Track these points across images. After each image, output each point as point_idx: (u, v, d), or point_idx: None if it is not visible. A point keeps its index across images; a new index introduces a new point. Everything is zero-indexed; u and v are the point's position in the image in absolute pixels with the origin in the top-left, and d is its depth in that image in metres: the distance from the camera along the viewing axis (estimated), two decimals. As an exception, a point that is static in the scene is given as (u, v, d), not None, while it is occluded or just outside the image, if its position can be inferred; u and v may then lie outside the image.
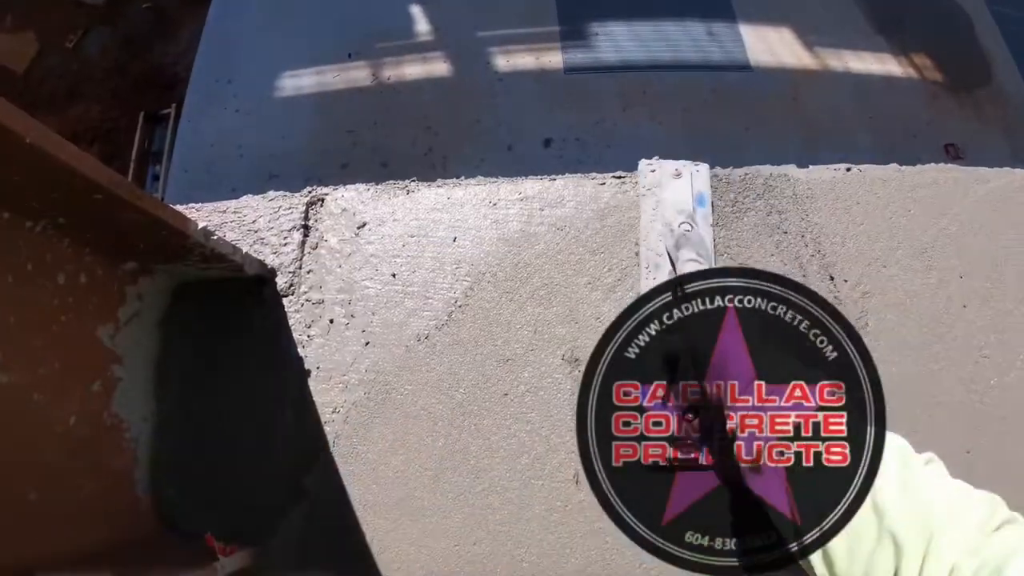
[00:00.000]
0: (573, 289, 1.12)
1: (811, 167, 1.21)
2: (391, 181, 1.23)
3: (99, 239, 0.95)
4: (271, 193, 1.23)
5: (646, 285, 1.08)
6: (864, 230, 1.16)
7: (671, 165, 1.14)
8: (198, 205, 1.22)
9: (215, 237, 0.99)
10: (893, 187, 1.19)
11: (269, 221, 1.20)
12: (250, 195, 1.24)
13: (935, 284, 1.13)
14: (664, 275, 1.06)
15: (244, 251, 1.09)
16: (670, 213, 1.09)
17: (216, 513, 1.08)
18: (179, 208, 1.09)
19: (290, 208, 1.20)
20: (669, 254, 1.05)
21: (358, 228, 1.18)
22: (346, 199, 1.21)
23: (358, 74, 2.93)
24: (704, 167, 1.15)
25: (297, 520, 1.06)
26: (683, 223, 1.07)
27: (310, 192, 1.21)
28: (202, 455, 1.11)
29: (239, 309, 1.15)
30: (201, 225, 0.95)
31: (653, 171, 1.14)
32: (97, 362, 1.01)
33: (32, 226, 0.86)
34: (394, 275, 1.15)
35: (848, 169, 1.21)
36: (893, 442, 0.65)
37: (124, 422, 1.06)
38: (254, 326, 1.15)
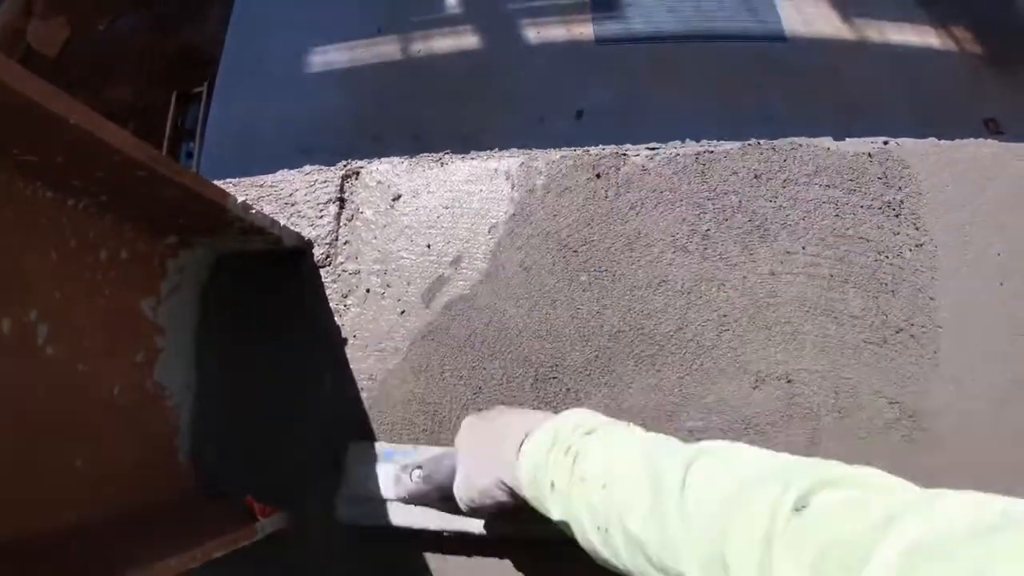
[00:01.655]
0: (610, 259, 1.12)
1: (847, 139, 1.19)
2: (425, 154, 1.23)
3: (140, 215, 0.97)
4: (307, 167, 1.24)
5: None
6: (899, 205, 1.14)
7: (359, 486, 1.07)
8: (235, 180, 1.23)
9: (253, 210, 1.00)
10: (931, 162, 1.16)
11: (305, 194, 1.20)
12: (286, 169, 1.25)
13: (972, 261, 1.11)
14: None
15: (282, 224, 1.10)
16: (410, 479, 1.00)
17: (255, 477, 1.10)
18: (217, 183, 1.09)
19: (326, 181, 1.21)
20: None
21: (393, 200, 1.19)
22: (381, 172, 1.21)
23: (387, 48, 2.92)
24: (352, 447, 1.08)
25: (333, 483, 1.07)
26: (412, 475, 0.98)
27: (345, 165, 1.22)
28: (241, 422, 1.13)
29: (277, 280, 1.17)
30: (240, 199, 0.96)
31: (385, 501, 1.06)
32: (140, 333, 1.03)
33: (75, 204, 0.87)
34: (428, 246, 1.16)
35: (885, 143, 1.18)
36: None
37: (166, 390, 1.08)
38: (292, 297, 1.16)
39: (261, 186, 1.22)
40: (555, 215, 1.14)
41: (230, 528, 0.94)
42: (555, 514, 0.72)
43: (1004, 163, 1.15)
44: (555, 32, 2.80)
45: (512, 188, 1.17)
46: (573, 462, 0.71)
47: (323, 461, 1.10)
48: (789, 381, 1.06)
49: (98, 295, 0.93)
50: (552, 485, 0.72)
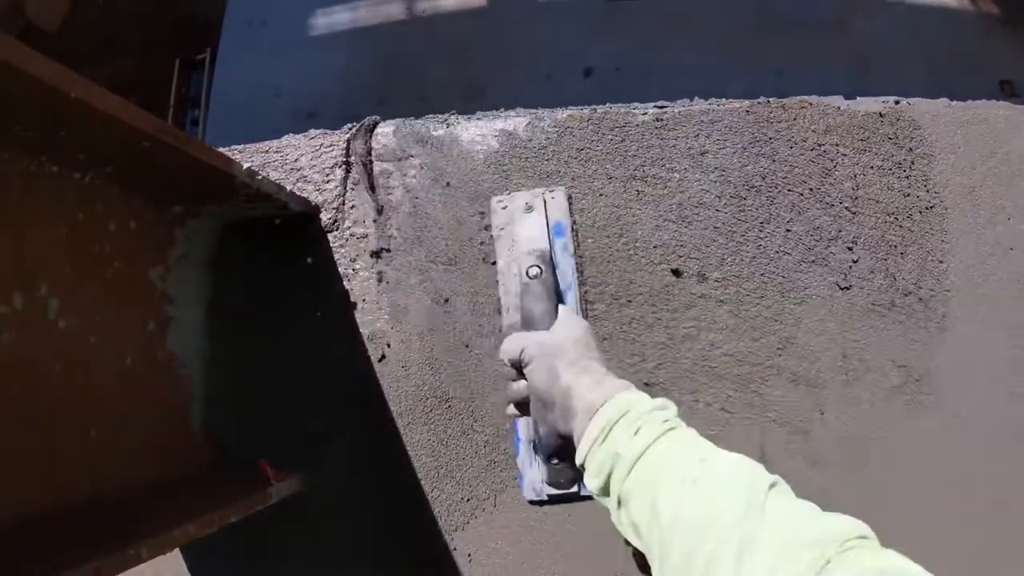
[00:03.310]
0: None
1: (858, 98, 1.17)
2: (430, 115, 1.22)
3: (146, 185, 0.97)
4: (312, 131, 1.23)
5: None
6: (910, 165, 1.13)
7: (520, 197, 1.09)
8: (240, 146, 1.22)
9: (259, 177, 0.99)
10: (943, 123, 1.14)
11: (311, 159, 1.20)
12: (291, 134, 1.24)
13: (982, 224, 1.10)
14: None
15: (288, 189, 1.10)
16: (522, 257, 1.00)
17: (268, 443, 1.12)
18: (221, 150, 1.09)
19: (331, 145, 1.20)
20: None
21: (398, 162, 1.18)
22: (386, 134, 1.20)
23: (392, 8, 2.88)
24: (559, 192, 1.09)
25: (345, 448, 1.10)
26: (533, 266, 0.96)
27: (350, 129, 1.21)
28: (253, 388, 1.15)
29: (285, 246, 1.17)
30: (245, 166, 0.96)
31: (504, 207, 1.08)
32: (150, 303, 1.04)
33: (81, 178, 0.87)
34: (440, 205, 1.15)
35: (896, 102, 1.17)
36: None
37: (178, 359, 1.09)
38: (299, 260, 1.16)
39: (267, 152, 1.22)
40: (563, 174, 1.14)
41: (245, 493, 0.95)
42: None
43: (1018, 126, 1.14)
44: (564, -12, 2.76)
45: (519, 147, 1.16)
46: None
47: (334, 424, 1.11)
48: (793, 342, 1.06)
49: (107, 267, 0.94)
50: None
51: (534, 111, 1.19)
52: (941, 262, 1.08)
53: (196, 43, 3.42)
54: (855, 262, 1.08)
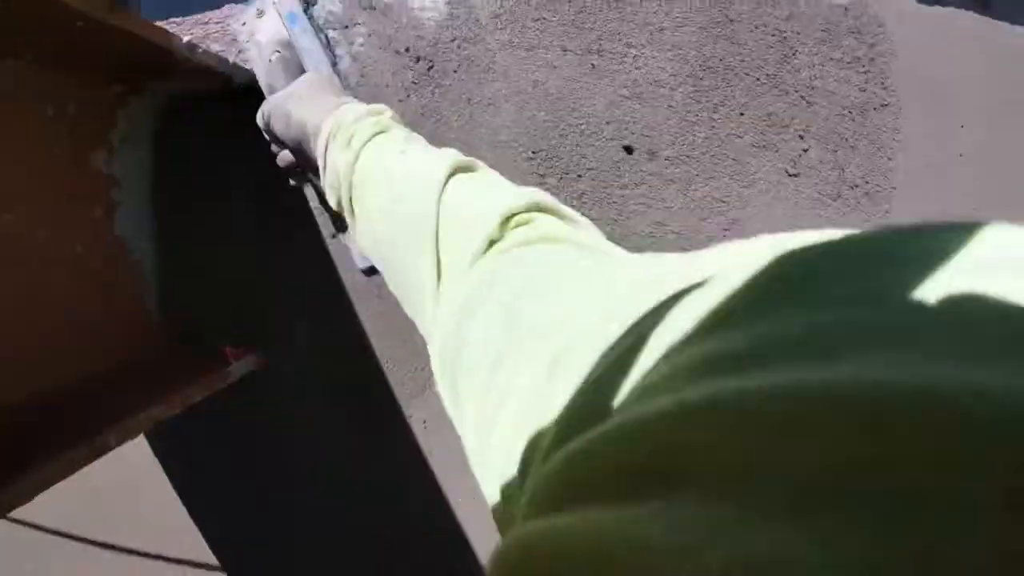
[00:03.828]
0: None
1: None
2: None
3: (83, 65, 0.92)
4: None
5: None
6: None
7: (252, 7, 1.09)
8: (179, 19, 1.16)
9: (200, 50, 0.95)
10: (908, 24, 1.13)
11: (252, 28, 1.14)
12: (231, 3, 1.18)
13: (934, 130, 1.11)
14: None
15: (232, 62, 1.05)
16: (267, 51, 1.03)
17: (225, 323, 1.11)
18: (160, 24, 1.03)
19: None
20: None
21: (345, 30, 1.13)
22: (332, 1, 1.14)
23: None
24: None
25: (299, 324, 1.10)
26: (274, 53, 1.01)
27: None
28: (207, 269, 1.13)
29: (231, 119, 1.12)
30: (185, 39, 0.91)
31: (243, 24, 1.09)
32: (95, 188, 1.01)
33: (14, 63, 0.83)
34: (406, 49, 1.12)
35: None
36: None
37: (129, 243, 1.07)
38: (247, 133, 1.12)
39: (207, 23, 1.15)
40: (517, 47, 1.10)
41: (205, 374, 0.96)
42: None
43: (984, 38, 1.12)
44: None
45: (471, 16, 1.11)
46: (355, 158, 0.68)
47: (287, 300, 1.11)
48: (739, 224, 1.08)
49: (47, 154, 0.90)
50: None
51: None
52: (890, 159, 1.09)
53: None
54: (805, 151, 1.09)
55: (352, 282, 1.10)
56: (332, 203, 0.71)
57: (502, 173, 0.97)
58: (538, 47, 1.09)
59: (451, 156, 0.59)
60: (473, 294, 0.44)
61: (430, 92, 1.10)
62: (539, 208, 0.50)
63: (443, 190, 0.54)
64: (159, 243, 1.12)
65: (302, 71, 0.98)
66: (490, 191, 0.55)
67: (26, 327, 0.84)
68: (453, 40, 1.10)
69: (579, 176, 1.08)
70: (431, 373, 1.07)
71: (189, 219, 1.13)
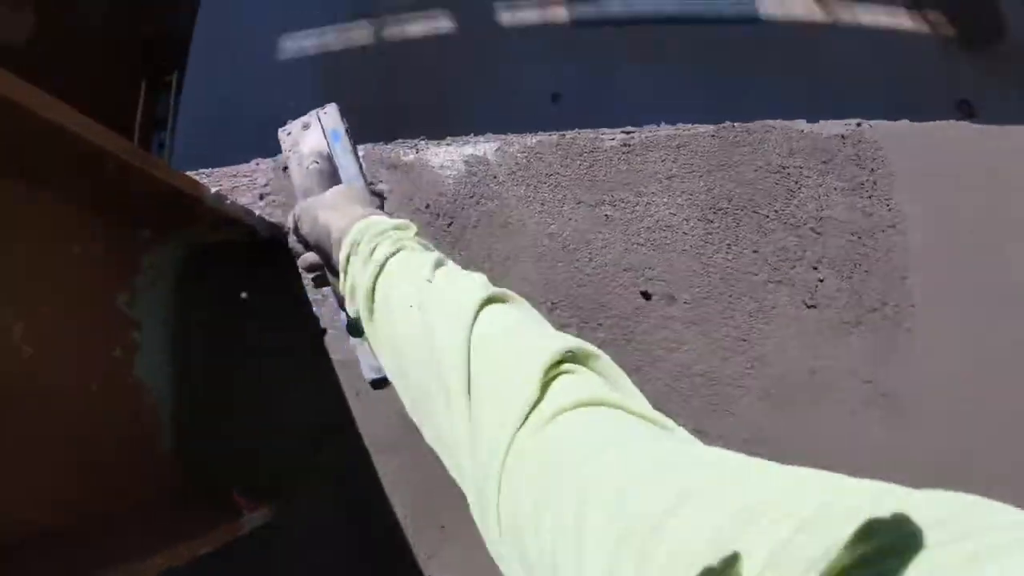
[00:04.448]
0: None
1: (820, 121, 1.20)
2: (399, 140, 1.22)
3: (113, 208, 0.95)
4: (281, 156, 1.22)
5: None
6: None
7: (299, 121, 1.13)
8: (208, 170, 1.21)
9: (228, 201, 0.99)
10: (904, 143, 1.17)
11: (279, 184, 1.19)
12: (259, 159, 1.24)
13: (944, 240, 1.13)
14: None
15: (257, 214, 1.09)
16: (307, 160, 1.08)
17: (238, 469, 1.10)
18: (189, 174, 1.08)
19: (300, 171, 1.19)
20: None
21: (369, 185, 1.18)
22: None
23: (360, 33, 2.89)
24: (331, 107, 1.13)
25: (316, 476, 1.08)
26: (312, 162, 1.06)
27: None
28: (223, 414, 1.13)
29: (253, 271, 1.16)
30: (213, 190, 0.95)
31: (289, 134, 1.12)
32: (116, 328, 1.02)
33: (47, 198, 0.86)
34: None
35: (858, 124, 1.19)
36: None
37: (146, 385, 1.07)
38: (269, 288, 1.15)
39: (235, 176, 1.21)
40: (533, 201, 1.14)
41: (215, 523, 0.93)
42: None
43: (976, 145, 1.17)
44: (531, 15, 2.79)
45: (488, 173, 1.16)
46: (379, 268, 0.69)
47: (306, 452, 1.10)
48: (762, 361, 1.07)
49: (71, 292, 0.92)
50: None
51: (503, 136, 1.20)
52: (905, 278, 1.11)
53: (164, 64, 3.40)
54: (821, 281, 1.10)
55: (372, 436, 1.10)
56: (350, 311, 0.72)
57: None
58: (553, 201, 1.14)
59: (481, 285, 0.59)
60: (539, 477, 0.43)
61: (449, 246, 1.14)
62: (576, 358, 0.50)
63: (474, 322, 0.54)
64: (176, 386, 1.12)
65: (337, 183, 1.02)
66: (526, 332, 0.54)
67: (35, 462, 0.83)
68: (472, 196, 1.15)
69: (599, 325, 1.09)
70: (449, 532, 1.04)
71: (208, 366, 1.14)
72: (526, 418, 0.46)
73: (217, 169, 1.22)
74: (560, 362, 0.48)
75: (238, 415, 1.13)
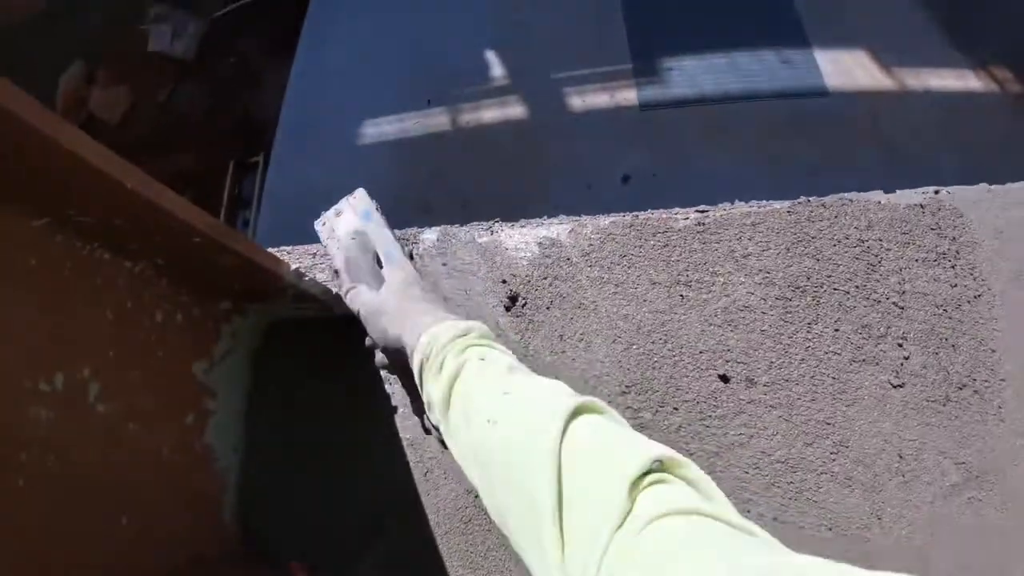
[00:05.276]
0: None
1: (897, 191, 1.17)
2: (475, 222, 1.25)
3: (195, 279, 1.00)
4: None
5: None
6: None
7: (331, 210, 1.18)
8: (289, 248, 1.26)
9: (307, 278, 1.02)
10: (984, 209, 1.13)
11: (358, 263, 1.22)
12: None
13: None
14: None
15: (334, 292, 1.12)
16: (344, 241, 1.13)
17: (300, 542, 1.10)
18: (271, 251, 1.12)
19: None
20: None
21: (443, 265, 1.20)
22: (431, 240, 1.23)
23: (437, 120, 3.00)
24: (360, 191, 1.19)
25: (379, 554, 1.07)
26: (350, 239, 1.11)
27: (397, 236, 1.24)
28: (289, 486, 1.14)
29: (328, 347, 1.18)
30: (293, 267, 0.98)
31: (324, 224, 1.17)
32: (191, 395, 1.05)
33: (132, 266, 0.91)
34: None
35: (936, 192, 1.16)
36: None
37: (215, 452, 1.09)
38: (342, 364, 1.17)
39: (314, 255, 1.25)
40: (607, 282, 1.14)
41: None
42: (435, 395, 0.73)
43: None
44: (599, 99, 2.85)
45: (561, 255, 1.17)
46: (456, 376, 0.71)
47: (369, 528, 1.09)
48: (847, 445, 1.02)
49: (151, 356, 0.96)
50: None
51: (577, 218, 1.21)
52: (994, 351, 1.05)
53: (250, 145, 3.59)
54: (906, 358, 1.05)
55: (437, 517, 1.09)
56: (432, 420, 0.76)
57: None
58: (627, 282, 1.14)
59: (565, 394, 0.62)
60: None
61: (524, 326, 1.15)
62: (664, 467, 0.52)
63: (563, 436, 0.56)
64: (244, 456, 1.15)
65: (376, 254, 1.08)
66: (615, 441, 0.56)
67: (100, 516, 0.85)
68: (545, 278, 1.16)
69: (675, 409, 1.07)
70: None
71: (278, 438, 1.16)
72: (622, 522, 0.47)
73: (298, 247, 1.26)
74: (649, 472, 0.50)
75: (303, 488, 1.14)
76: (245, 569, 1.06)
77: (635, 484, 0.49)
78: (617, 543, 0.46)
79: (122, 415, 0.90)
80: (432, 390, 0.73)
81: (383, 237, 1.14)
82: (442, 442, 0.94)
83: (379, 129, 3.05)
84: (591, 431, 0.57)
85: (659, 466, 0.51)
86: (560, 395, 0.63)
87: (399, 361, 0.90)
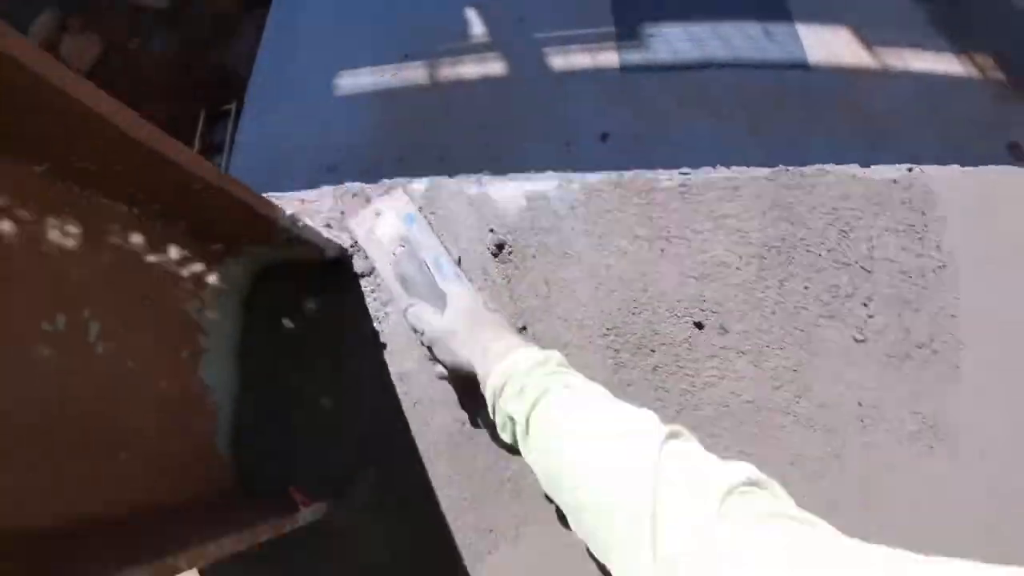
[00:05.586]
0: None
1: (873, 167, 1.22)
2: (463, 174, 1.28)
3: (190, 223, 1.02)
4: (347, 184, 1.28)
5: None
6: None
7: (370, 209, 1.23)
8: (277, 194, 1.27)
9: (300, 223, 1.04)
10: (954, 187, 1.19)
11: (343, 210, 1.25)
12: (325, 186, 1.30)
13: (993, 283, 1.14)
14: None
15: (324, 236, 1.14)
16: (389, 247, 1.19)
17: (292, 475, 1.15)
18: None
19: (364, 198, 1.25)
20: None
21: (431, 214, 1.22)
22: (420, 190, 1.25)
23: (415, 74, 2.97)
24: (397, 191, 1.24)
25: (369, 480, 1.13)
26: (398, 247, 1.18)
27: (385, 184, 1.26)
28: (280, 421, 1.18)
29: (318, 288, 1.22)
30: (288, 211, 1.00)
31: (359, 223, 1.22)
32: (185, 333, 1.08)
33: (128, 211, 0.92)
34: (460, 259, 1.20)
35: (910, 169, 1.21)
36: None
37: (209, 388, 1.13)
38: (332, 304, 1.21)
39: (302, 202, 1.27)
40: (591, 234, 1.18)
41: (273, 515, 0.98)
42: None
43: None
44: (581, 60, 2.85)
45: (548, 208, 1.21)
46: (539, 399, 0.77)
47: (360, 457, 1.14)
48: (811, 391, 1.09)
49: (147, 296, 0.98)
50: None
51: (565, 174, 1.25)
52: (954, 316, 1.12)
53: (223, 94, 3.52)
54: (871, 317, 1.12)
55: (425, 444, 1.14)
56: (507, 439, 0.82)
57: (579, 350, 1.05)
58: (610, 235, 1.18)
59: (656, 423, 0.68)
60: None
61: (511, 272, 1.19)
62: (750, 481, 0.57)
63: (660, 459, 0.61)
64: (237, 392, 1.19)
65: (424, 263, 1.13)
66: (705, 461, 0.62)
67: (100, 448, 0.87)
68: (532, 228, 1.21)
69: (652, 351, 1.12)
70: (498, 536, 1.07)
71: (269, 374, 1.20)
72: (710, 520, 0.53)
73: (286, 194, 1.28)
74: (740, 485, 0.56)
75: (295, 422, 1.18)
76: (243, 501, 1.10)
77: (726, 495, 0.54)
78: (705, 538, 0.51)
79: (121, 353, 0.92)
80: (513, 409, 0.78)
81: (430, 244, 1.18)
82: (508, 448, 1.04)
83: (355, 80, 3.01)
84: (684, 454, 0.62)
85: (749, 482, 0.56)
86: (651, 420, 0.69)
87: (462, 377, 0.96)
